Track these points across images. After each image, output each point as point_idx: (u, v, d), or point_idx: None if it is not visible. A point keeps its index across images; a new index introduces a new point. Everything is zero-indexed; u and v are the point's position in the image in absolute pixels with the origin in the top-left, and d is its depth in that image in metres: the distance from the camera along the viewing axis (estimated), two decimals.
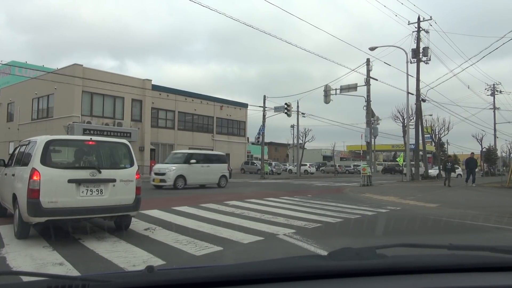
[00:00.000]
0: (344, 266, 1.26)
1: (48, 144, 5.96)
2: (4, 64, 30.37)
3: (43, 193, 5.57)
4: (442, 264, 1.32)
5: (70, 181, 5.78)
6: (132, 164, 6.55)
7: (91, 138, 6.82)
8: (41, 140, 6.05)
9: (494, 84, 43.88)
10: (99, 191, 6.00)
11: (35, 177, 5.59)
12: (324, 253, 3.50)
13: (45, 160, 5.81)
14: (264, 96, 32.93)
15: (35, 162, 5.74)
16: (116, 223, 6.68)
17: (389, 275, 1.26)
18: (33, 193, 5.53)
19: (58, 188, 5.71)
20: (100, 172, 6.04)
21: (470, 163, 20.58)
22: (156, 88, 32.47)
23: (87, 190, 5.92)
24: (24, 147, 6.92)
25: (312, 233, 6.85)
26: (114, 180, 6.14)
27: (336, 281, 1.22)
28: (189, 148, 36.76)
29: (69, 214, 5.83)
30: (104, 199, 6.04)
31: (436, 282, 1.25)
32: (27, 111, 30.97)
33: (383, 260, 1.29)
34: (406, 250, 1.49)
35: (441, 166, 30.64)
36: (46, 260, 4.71)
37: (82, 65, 27.58)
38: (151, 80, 31.61)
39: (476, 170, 21.91)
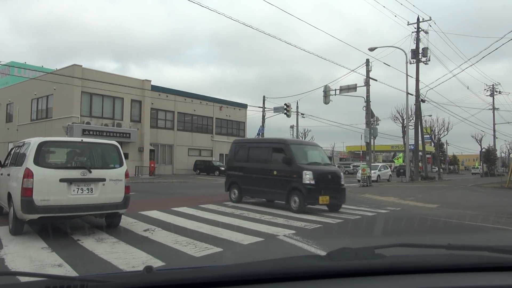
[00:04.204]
0: (342, 266, 1.26)
1: (41, 145, 6.23)
2: (3, 65, 30.27)
3: (36, 191, 5.83)
4: (440, 264, 1.32)
5: (61, 180, 6.06)
6: (121, 165, 6.80)
7: (82, 140, 7.12)
8: (34, 141, 6.32)
9: (493, 85, 44.01)
10: (90, 190, 6.28)
11: (28, 177, 5.86)
12: (324, 253, 3.49)
13: (38, 160, 6.08)
14: (264, 97, 32.96)
15: (29, 162, 6.02)
16: (106, 220, 6.92)
17: (388, 275, 1.25)
18: (27, 192, 5.81)
19: (50, 187, 5.98)
20: (90, 172, 6.31)
21: None
22: (155, 88, 32.41)
23: (78, 189, 6.19)
24: (19, 148, 7.19)
25: (312, 234, 6.85)
26: (103, 180, 6.41)
27: (335, 281, 1.22)
28: (189, 149, 36.90)
29: (60, 212, 6.10)
30: (94, 197, 6.31)
31: (435, 282, 1.25)
32: (26, 111, 30.91)
33: (381, 260, 1.29)
34: (405, 250, 1.49)
35: None
36: (45, 261, 4.70)
37: (81, 66, 27.52)
38: (150, 81, 31.56)
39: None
